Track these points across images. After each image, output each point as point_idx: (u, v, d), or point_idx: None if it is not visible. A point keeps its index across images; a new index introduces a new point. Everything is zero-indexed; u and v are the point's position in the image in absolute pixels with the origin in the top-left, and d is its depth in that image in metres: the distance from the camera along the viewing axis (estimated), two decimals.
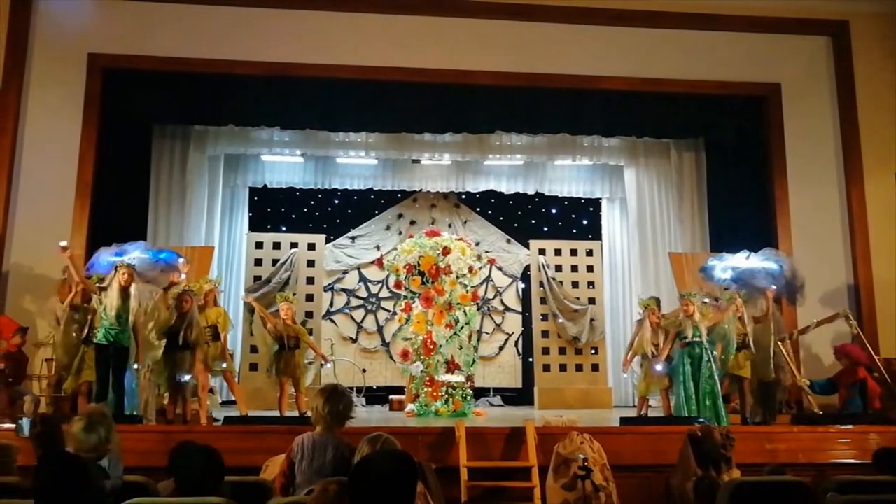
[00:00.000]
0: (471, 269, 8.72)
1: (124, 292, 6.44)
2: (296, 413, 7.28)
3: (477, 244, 10.44)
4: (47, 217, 8.01)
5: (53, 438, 3.81)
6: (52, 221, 7.98)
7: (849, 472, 4.93)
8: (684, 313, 7.03)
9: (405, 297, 8.98)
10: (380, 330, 10.91)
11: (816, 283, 8.12)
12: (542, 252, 10.54)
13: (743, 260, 7.45)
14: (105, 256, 7.05)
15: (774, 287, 7.33)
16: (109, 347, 6.40)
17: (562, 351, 10.20)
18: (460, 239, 9.09)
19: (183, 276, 7.10)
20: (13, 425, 5.49)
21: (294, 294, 8.38)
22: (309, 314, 9.83)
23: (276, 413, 7.49)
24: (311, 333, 8.55)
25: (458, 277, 8.56)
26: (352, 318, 10.93)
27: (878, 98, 9.01)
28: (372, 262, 11.00)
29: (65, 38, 8.34)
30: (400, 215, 11.28)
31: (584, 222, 11.43)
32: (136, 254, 6.95)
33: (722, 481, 4.36)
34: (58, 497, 2.70)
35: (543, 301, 10.33)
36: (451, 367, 8.38)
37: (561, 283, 10.41)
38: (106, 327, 6.39)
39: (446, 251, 8.58)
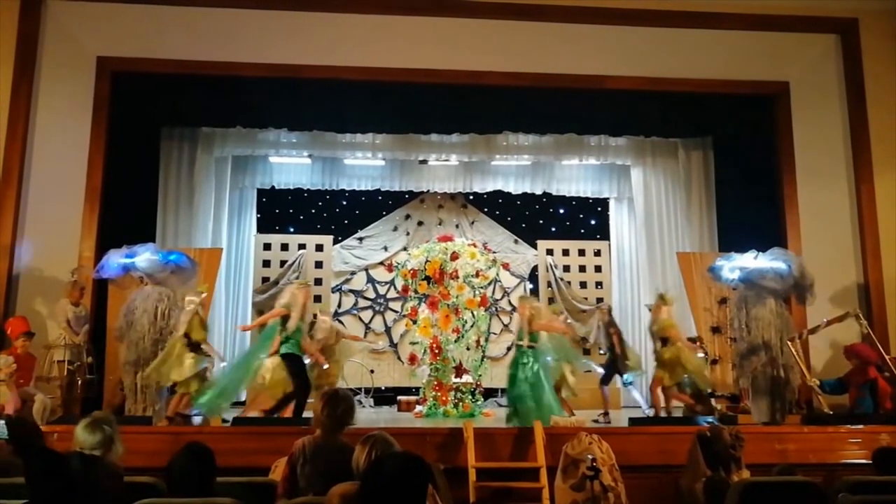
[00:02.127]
0: (478, 273, 8.73)
1: (304, 308, 7.04)
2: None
3: (484, 245, 10.45)
4: (57, 220, 8.05)
5: (31, 438, 3.82)
6: (61, 224, 8.03)
7: (860, 473, 4.90)
8: (520, 316, 7.19)
9: (411, 301, 8.99)
10: (388, 331, 10.92)
11: (826, 283, 8.07)
12: (549, 252, 10.53)
13: (751, 260, 7.42)
14: (115, 258, 7.10)
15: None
16: (299, 357, 6.99)
17: None
18: (472, 244, 9.11)
19: None
20: None
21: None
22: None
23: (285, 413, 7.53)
24: None
25: (465, 279, 8.57)
26: (360, 318, 10.95)
27: (887, 95, 8.93)
28: (380, 263, 11.02)
29: (74, 42, 8.38)
30: (407, 216, 11.29)
31: (592, 222, 11.42)
32: (145, 256, 7.01)
33: (732, 482, 4.34)
34: (49, 494, 2.69)
35: (552, 301, 10.31)
36: (460, 370, 8.39)
37: (569, 283, 10.41)
38: (298, 340, 6.96)
39: (454, 256, 8.61)
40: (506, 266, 10.93)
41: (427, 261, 8.63)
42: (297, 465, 3.62)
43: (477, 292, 8.76)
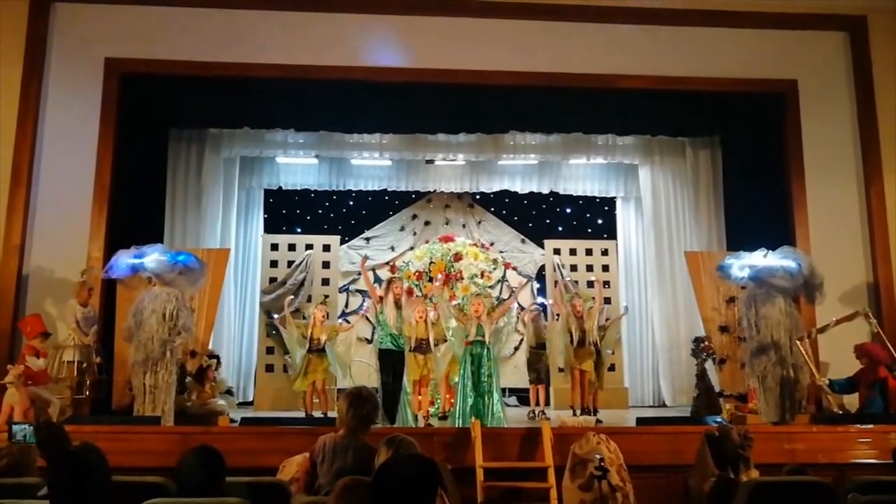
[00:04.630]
0: (482, 274, 8.71)
1: (397, 304, 7.37)
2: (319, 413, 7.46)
3: (491, 244, 10.40)
4: (66, 220, 8.08)
5: (58, 441, 3.85)
6: (70, 225, 8.06)
7: (870, 473, 4.87)
8: (474, 313, 7.22)
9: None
10: None
11: (835, 281, 8.03)
12: (556, 252, 10.50)
13: (760, 258, 7.39)
14: (124, 259, 7.14)
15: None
16: (395, 352, 7.28)
17: None
18: (475, 244, 9.08)
19: None
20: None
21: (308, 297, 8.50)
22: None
23: (293, 413, 7.56)
24: None
25: (470, 279, 8.56)
26: (367, 318, 10.93)
27: None
28: (387, 263, 11.02)
29: (82, 43, 8.42)
30: (414, 216, 11.28)
31: (599, 221, 11.39)
32: (154, 256, 7.04)
33: (740, 481, 4.33)
34: (72, 497, 2.73)
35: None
36: None
37: (576, 282, 10.37)
38: (390, 334, 7.31)
39: (458, 257, 8.59)
40: (508, 265, 10.86)
41: (431, 262, 8.63)
42: (317, 463, 3.66)
43: (483, 291, 8.74)
